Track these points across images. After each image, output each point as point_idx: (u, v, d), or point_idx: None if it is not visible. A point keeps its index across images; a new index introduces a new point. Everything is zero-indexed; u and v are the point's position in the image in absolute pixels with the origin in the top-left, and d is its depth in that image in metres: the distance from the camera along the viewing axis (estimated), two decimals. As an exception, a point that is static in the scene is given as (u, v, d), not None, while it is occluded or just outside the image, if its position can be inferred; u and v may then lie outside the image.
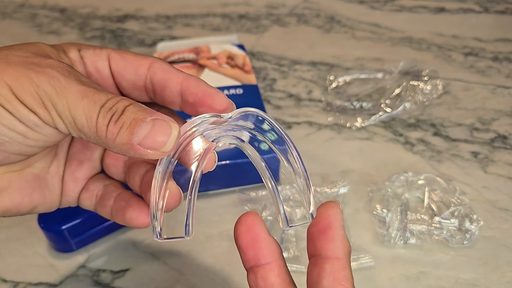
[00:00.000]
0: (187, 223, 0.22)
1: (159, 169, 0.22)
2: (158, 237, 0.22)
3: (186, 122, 0.23)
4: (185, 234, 0.22)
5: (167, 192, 0.23)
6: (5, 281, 0.35)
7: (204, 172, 0.24)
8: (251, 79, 0.48)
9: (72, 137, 0.27)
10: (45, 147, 0.23)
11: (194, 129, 0.23)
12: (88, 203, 0.27)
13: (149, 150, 0.20)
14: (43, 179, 0.25)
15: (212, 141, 0.23)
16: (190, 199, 0.22)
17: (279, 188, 0.38)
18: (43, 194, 0.25)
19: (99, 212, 0.27)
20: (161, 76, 0.24)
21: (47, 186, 0.26)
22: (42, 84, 0.20)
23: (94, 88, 0.21)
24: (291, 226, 0.23)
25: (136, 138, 0.20)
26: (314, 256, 0.22)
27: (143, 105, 0.21)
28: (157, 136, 0.20)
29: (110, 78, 0.25)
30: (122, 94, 0.26)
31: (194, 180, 0.22)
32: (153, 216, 0.22)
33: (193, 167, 0.23)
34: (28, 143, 0.21)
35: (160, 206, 0.22)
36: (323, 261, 0.21)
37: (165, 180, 0.23)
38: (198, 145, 0.23)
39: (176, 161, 0.23)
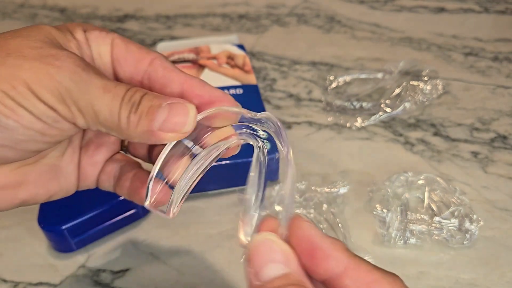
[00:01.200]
0: (174, 201, 0.22)
1: (172, 143, 0.22)
2: (146, 202, 0.22)
3: (222, 107, 0.23)
4: (168, 212, 0.22)
5: (178, 168, 0.23)
6: (5, 281, 0.35)
7: (226, 156, 0.24)
8: (251, 79, 0.48)
9: None
10: (60, 142, 0.23)
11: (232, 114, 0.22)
12: (106, 184, 0.27)
13: (169, 134, 0.21)
14: (58, 168, 0.25)
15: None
16: (191, 178, 0.22)
17: (276, 188, 0.38)
18: (58, 183, 0.25)
19: (118, 193, 0.27)
20: (162, 74, 0.23)
21: (63, 174, 0.25)
22: (64, 80, 0.20)
23: (112, 81, 0.21)
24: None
25: (156, 124, 0.21)
26: (324, 282, 0.19)
27: (156, 93, 0.22)
28: (176, 118, 0.21)
29: (110, 65, 0.25)
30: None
31: (204, 161, 0.22)
32: (151, 179, 0.22)
33: (211, 149, 0.22)
34: (45, 140, 0.21)
35: (164, 176, 0.22)
36: (340, 280, 0.19)
37: (177, 158, 0.22)
38: (226, 131, 0.23)
39: (193, 143, 0.22)
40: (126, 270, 0.35)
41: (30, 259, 0.36)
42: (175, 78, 0.23)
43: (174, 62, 0.51)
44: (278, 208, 0.38)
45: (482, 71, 0.54)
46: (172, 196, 0.22)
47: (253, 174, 0.23)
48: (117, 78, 0.25)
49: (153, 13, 0.70)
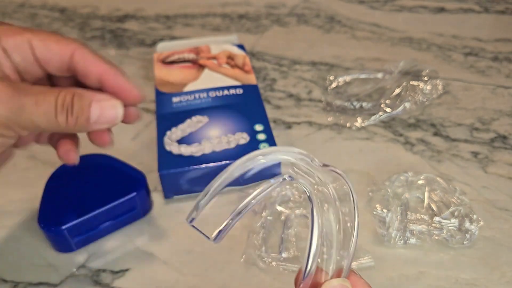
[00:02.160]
0: (223, 231, 0.22)
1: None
2: (189, 221, 0.22)
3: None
4: (214, 239, 0.22)
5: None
6: (5, 281, 0.35)
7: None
8: (251, 79, 0.48)
9: None
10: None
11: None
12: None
13: (104, 125, 0.27)
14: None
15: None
16: (239, 212, 0.22)
17: (277, 189, 0.38)
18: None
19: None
20: (82, 65, 0.27)
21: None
22: (2, 112, 0.23)
23: (39, 92, 0.25)
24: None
25: (92, 121, 0.26)
26: None
27: (83, 90, 0.26)
28: (108, 114, 0.26)
29: (35, 63, 0.27)
30: (51, 76, 0.29)
31: (249, 204, 0.21)
32: (197, 204, 0.22)
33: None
34: None
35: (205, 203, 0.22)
36: None
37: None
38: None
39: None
40: (126, 270, 0.35)
41: (30, 259, 0.36)
42: (93, 69, 0.27)
43: (174, 62, 0.51)
44: (279, 208, 0.38)
45: (482, 71, 0.54)
46: (222, 229, 0.22)
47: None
48: (49, 76, 0.28)
49: (153, 13, 0.70)
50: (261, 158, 0.21)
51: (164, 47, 0.55)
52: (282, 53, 0.59)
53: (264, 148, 0.25)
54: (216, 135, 0.41)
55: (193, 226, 0.22)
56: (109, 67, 0.28)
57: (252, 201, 0.21)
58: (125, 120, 0.29)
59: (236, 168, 0.22)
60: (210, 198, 0.22)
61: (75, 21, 0.69)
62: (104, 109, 0.26)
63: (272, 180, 0.22)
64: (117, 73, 0.28)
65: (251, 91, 0.46)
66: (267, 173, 0.33)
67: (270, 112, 0.49)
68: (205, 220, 0.22)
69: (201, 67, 0.50)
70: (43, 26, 0.68)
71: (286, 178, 0.22)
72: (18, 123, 0.24)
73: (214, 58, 0.51)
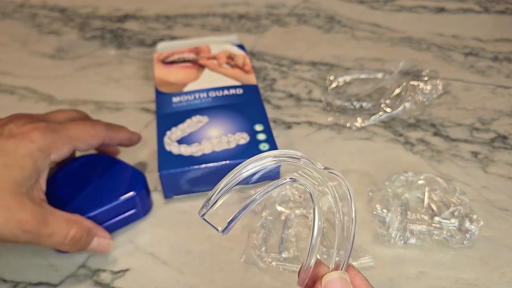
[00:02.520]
0: (231, 223, 0.22)
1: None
2: (201, 215, 0.23)
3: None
4: (223, 230, 0.22)
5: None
6: (5, 281, 0.35)
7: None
8: (251, 79, 0.48)
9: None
10: None
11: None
12: None
13: (95, 250, 0.35)
14: None
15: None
16: (245, 206, 0.23)
17: (277, 189, 0.38)
18: None
19: None
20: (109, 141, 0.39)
21: None
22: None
23: (56, 225, 0.32)
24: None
25: (89, 248, 0.34)
26: None
27: (92, 225, 0.34)
28: (101, 246, 0.35)
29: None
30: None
31: (255, 199, 0.22)
32: (209, 197, 0.23)
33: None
34: None
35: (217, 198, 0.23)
36: None
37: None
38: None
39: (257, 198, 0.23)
40: (126, 270, 0.35)
41: (30, 259, 0.36)
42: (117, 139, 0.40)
43: (174, 62, 0.51)
44: (279, 208, 0.38)
45: (482, 71, 0.54)
46: (231, 221, 0.23)
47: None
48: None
49: (153, 13, 0.70)
50: (270, 159, 0.22)
51: (164, 47, 0.55)
52: (282, 53, 0.59)
53: (267, 149, 0.25)
54: (216, 135, 0.41)
55: (204, 219, 0.23)
56: (127, 134, 0.41)
57: (257, 196, 0.22)
58: (128, 144, 0.41)
59: (245, 168, 0.22)
60: (221, 195, 0.23)
61: (75, 21, 0.69)
62: (101, 244, 0.35)
63: (277, 181, 0.22)
64: (129, 134, 0.41)
65: (251, 91, 0.46)
66: (269, 175, 0.34)
67: (270, 112, 0.49)
68: (213, 216, 0.23)
69: (201, 67, 0.50)
70: (43, 26, 0.68)
71: (290, 179, 0.23)
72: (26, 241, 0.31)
73: (214, 58, 0.51)
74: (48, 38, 0.65)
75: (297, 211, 0.38)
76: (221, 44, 0.54)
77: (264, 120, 0.42)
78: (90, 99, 0.53)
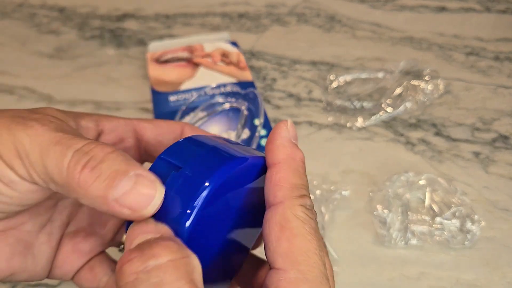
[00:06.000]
0: None
1: None
2: None
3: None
4: None
5: None
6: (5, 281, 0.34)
7: None
8: (247, 75, 0.48)
9: (79, 206, 0.25)
10: (23, 205, 0.21)
11: None
12: (86, 286, 0.25)
13: (125, 210, 0.17)
14: (28, 244, 0.23)
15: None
16: None
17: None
18: (24, 261, 0.22)
19: None
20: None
21: (32, 253, 0.23)
22: (19, 133, 0.19)
23: (73, 135, 0.19)
24: None
25: (114, 193, 0.17)
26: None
27: (127, 155, 0.19)
28: (139, 195, 0.17)
29: (132, 148, 0.25)
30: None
31: None
32: None
33: None
34: (3, 200, 0.20)
35: None
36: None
37: None
38: None
39: None
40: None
41: (29, 259, 0.36)
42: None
43: (168, 61, 0.51)
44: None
45: (483, 71, 0.54)
46: None
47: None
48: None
49: (153, 12, 0.70)
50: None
51: (156, 47, 0.55)
52: (282, 53, 0.59)
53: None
54: (216, 132, 0.41)
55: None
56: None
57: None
58: None
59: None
60: None
61: (74, 20, 0.69)
62: (138, 187, 0.17)
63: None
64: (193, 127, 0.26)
65: (247, 87, 0.46)
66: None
67: (270, 112, 0.49)
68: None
69: (196, 65, 0.50)
70: (42, 25, 0.67)
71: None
72: (28, 155, 0.19)
73: (208, 56, 0.51)
74: (47, 37, 0.65)
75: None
76: (214, 42, 0.54)
77: (263, 116, 0.42)
78: (89, 99, 0.53)
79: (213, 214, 0.19)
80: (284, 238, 0.19)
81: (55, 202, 0.24)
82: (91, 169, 0.18)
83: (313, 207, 0.20)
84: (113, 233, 0.26)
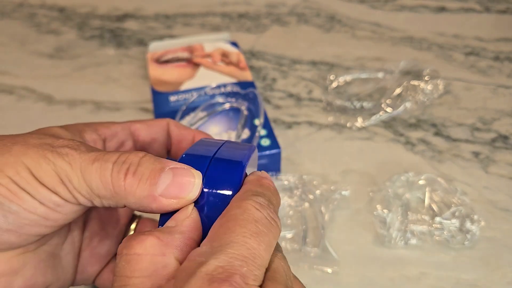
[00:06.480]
0: None
1: None
2: None
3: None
4: None
5: None
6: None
7: None
8: (247, 75, 0.48)
9: (90, 212, 0.27)
10: (64, 225, 0.22)
11: None
12: (108, 285, 0.26)
13: (172, 200, 0.20)
14: (56, 257, 0.24)
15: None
16: None
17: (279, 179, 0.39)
18: (56, 272, 0.24)
19: None
20: (177, 132, 0.28)
21: (61, 264, 0.25)
22: (57, 161, 0.20)
23: (104, 151, 0.21)
24: None
25: (158, 189, 0.20)
26: None
27: (157, 156, 0.21)
28: (181, 183, 0.20)
29: (132, 149, 0.27)
30: None
31: None
32: None
33: None
34: (48, 224, 0.21)
35: None
36: None
37: None
38: None
39: None
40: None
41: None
42: (187, 134, 0.28)
43: (168, 61, 0.51)
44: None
45: (483, 71, 0.54)
46: None
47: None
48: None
49: (153, 12, 0.70)
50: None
51: (156, 47, 0.55)
52: (282, 53, 0.59)
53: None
54: (216, 132, 0.41)
55: None
56: (199, 131, 0.29)
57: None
58: None
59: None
60: None
61: (74, 20, 0.69)
62: (178, 177, 0.20)
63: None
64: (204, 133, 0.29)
65: (248, 87, 0.46)
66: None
67: (270, 112, 0.49)
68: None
69: (196, 65, 0.50)
70: (42, 25, 0.67)
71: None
72: (71, 179, 0.20)
73: (208, 56, 0.51)
74: (47, 37, 0.65)
75: (292, 204, 0.38)
76: (214, 42, 0.54)
77: (263, 116, 0.42)
78: (89, 99, 0.53)
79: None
80: (219, 224, 0.19)
81: None
82: (132, 174, 0.20)
83: (274, 210, 0.20)
84: (124, 232, 0.28)
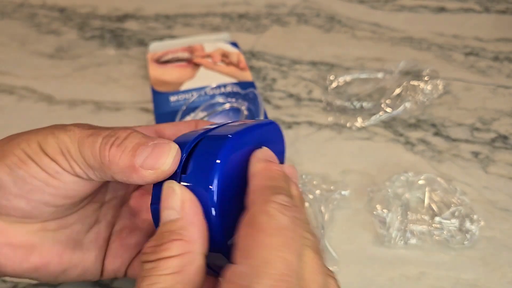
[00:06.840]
0: None
1: None
2: None
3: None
4: None
5: None
6: (4, 281, 0.35)
7: None
8: (247, 76, 0.48)
9: (120, 208, 0.29)
10: (68, 198, 0.24)
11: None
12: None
13: (149, 171, 0.21)
14: (77, 242, 0.26)
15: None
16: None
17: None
18: (74, 257, 0.26)
19: None
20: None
21: (81, 250, 0.26)
22: (61, 135, 0.23)
23: (100, 128, 0.24)
24: None
25: (138, 160, 0.21)
26: None
27: (146, 134, 0.23)
28: (157, 156, 0.21)
29: None
30: None
31: None
32: None
33: None
34: (50, 192, 0.23)
35: None
36: None
37: None
38: None
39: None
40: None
41: (29, 259, 0.36)
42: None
43: (168, 61, 0.51)
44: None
45: (482, 71, 0.54)
46: None
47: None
48: None
49: (153, 12, 0.70)
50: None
51: (156, 47, 0.55)
52: (282, 53, 0.59)
53: None
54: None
55: None
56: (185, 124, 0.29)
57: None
58: None
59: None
60: None
61: (74, 20, 0.69)
62: (156, 150, 0.22)
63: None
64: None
65: (248, 87, 0.46)
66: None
67: (270, 112, 0.49)
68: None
69: (196, 65, 0.50)
70: (42, 25, 0.68)
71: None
72: (69, 151, 0.23)
73: (208, 56, 0.51)
74: (47, 37, 0.65)
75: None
76: (214, 43, 0.54)
77: (263, 116, 0.42)
78: (90, 99, 0.53)
79: (232, 173, 0.22)
80: (248, 234, 0.19)
81: (99, 206, 0.28)
82: (117, 146, 0.22)
83: (296, 205, 0.20)
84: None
